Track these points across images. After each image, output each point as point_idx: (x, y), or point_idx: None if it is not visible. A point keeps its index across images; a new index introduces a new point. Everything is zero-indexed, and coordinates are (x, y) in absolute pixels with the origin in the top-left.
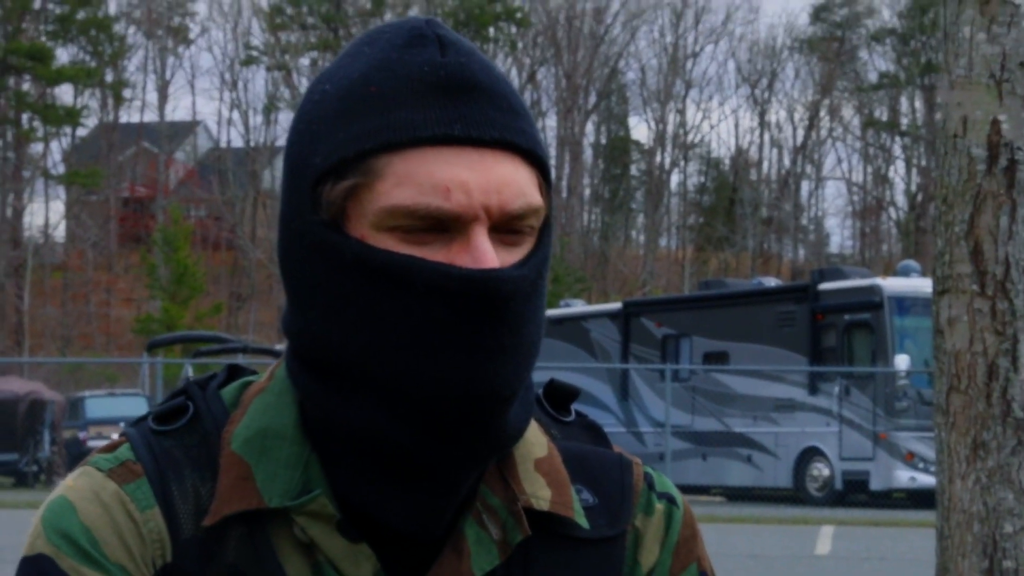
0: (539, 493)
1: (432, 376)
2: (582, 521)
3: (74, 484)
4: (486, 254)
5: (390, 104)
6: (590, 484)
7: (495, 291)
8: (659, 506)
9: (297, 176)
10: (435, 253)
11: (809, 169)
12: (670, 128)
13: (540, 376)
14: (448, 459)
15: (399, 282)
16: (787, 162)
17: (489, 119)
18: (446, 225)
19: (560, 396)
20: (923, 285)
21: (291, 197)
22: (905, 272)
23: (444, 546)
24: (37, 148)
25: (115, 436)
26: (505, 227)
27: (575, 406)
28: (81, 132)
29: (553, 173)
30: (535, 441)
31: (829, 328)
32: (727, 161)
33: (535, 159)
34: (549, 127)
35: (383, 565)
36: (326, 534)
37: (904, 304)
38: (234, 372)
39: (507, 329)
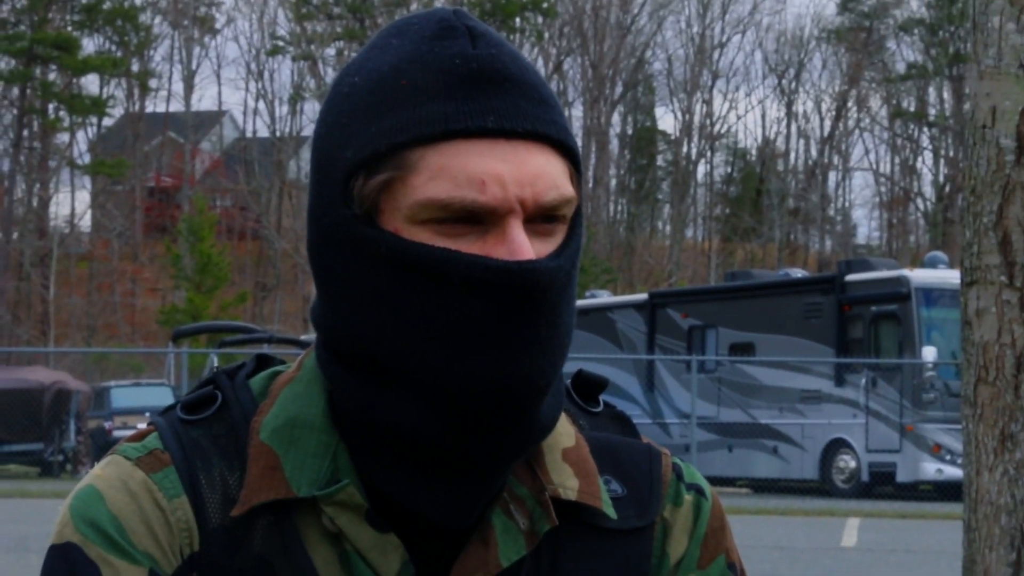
0: (567, 483)
1: (469, 369)
2: (610, 511)
3: (102, 473)
4: (522, 246)
5: (422, 97)
6: (618, 474)
7: (533, 283)
8: (688, 497)
9: (327, 169)
10: (470, 245)
11: (836, 160)
12: (697, 119)
13: (566, 367)
14: (483, 452)
15: (435, 275)
16: (814, 153)
17: (521, 111)
18: (481, 217)
19: (589, 386)
20: (950, 276)
21: (321, 190)
22: (932, 263)
23: (471, 536)
24: (63, 138)
25: (140, 426)
26: (539, 218)
27: (603, 397)
28: (107, 122)
29: None
30: (563, 431)
31: (856, 319)
32: (754, 152)
33: (566, 149)
34: (575, 117)
35: (411, 555)
36: (354, 524)
37: (931, 295)
38: (263, 362)
39: (543, 320)
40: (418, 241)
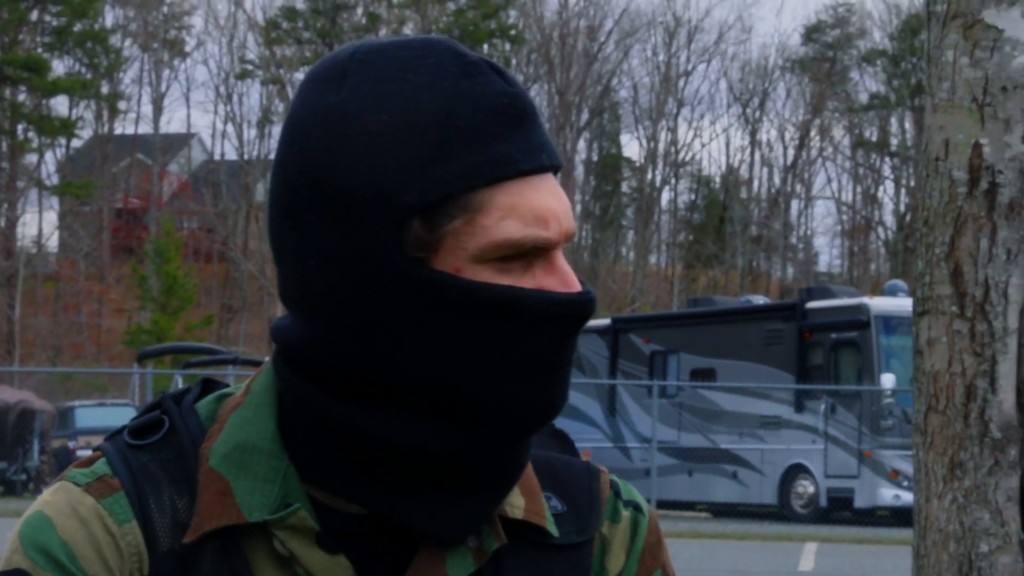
0: (514, 501)
1: (526, 397)
2: (552, 529)
3: (52, 499)
4: (572, 276)
5: (484, 138)
6: (559, 491)
7: (589, 312)
8: (625, 514)
9: (367, 212)
10: (523, 279)
11: (799, 188)
12: (661, 146)
13: None
14: (507, 469)
15: (510, 314)
16: (777, 181)
17: (549, 145)
18: (532, 252)
19: None
20: (909, 305)
21: (354, 232)
22: (892, 292)
23: (419, 552)
24: (31, 159)
25: (92, 449)
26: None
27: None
28: (76, 143)
29: None
30: None
31: (816, 346)
32: (718, 179)
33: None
34: None
35: (358, 573)
36: (305, 547)
37: (891, 323)
38: (208, 386)
39: (575, 344)
40: (484, 281)
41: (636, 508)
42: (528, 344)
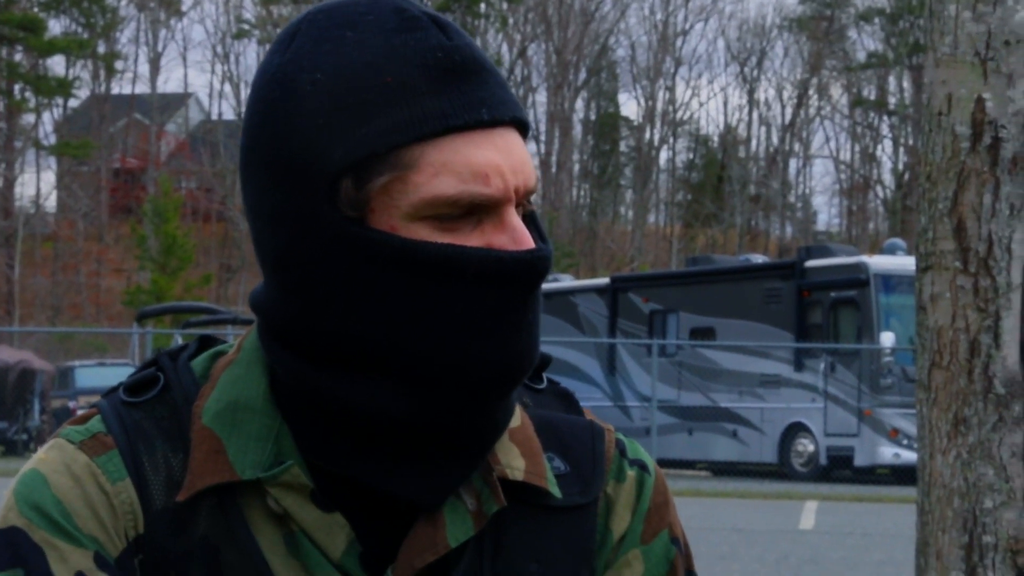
0: (513, 463)
1: (475, 354)
2: (554, 491)
3: (46, 457)
4: (524, 234)
5: (412, 94)
6: (562, 452)
7: (542, 270)
8: (631, 473)
9: (302, 172)
10: (469, 236)
11: (797, 147)
12: (659, 105)
13: None
14: (479, 433)
15: (449, 273)
16: (775, 140)
17: (501, 99)
18: (480, 209)
19: None
20: (909, 263)
21: (291, 192)
22: (891, 250)
23: (419, 516)
24: (29, 119)
25: (89, 406)
26: (524, 197)
27: (555, 376)
28: (73, 103)
29: (543, 148)
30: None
31: (815, 305)
32: (715, 138)
33: (525, 129)
34: (539, 103)
35: (357, 534)
36: (299, 504)
37: (890, 282)
38: (205, 343)
39: (535, 303)
40: (421, 239)
41: (642, 467)
42: (473, 304)
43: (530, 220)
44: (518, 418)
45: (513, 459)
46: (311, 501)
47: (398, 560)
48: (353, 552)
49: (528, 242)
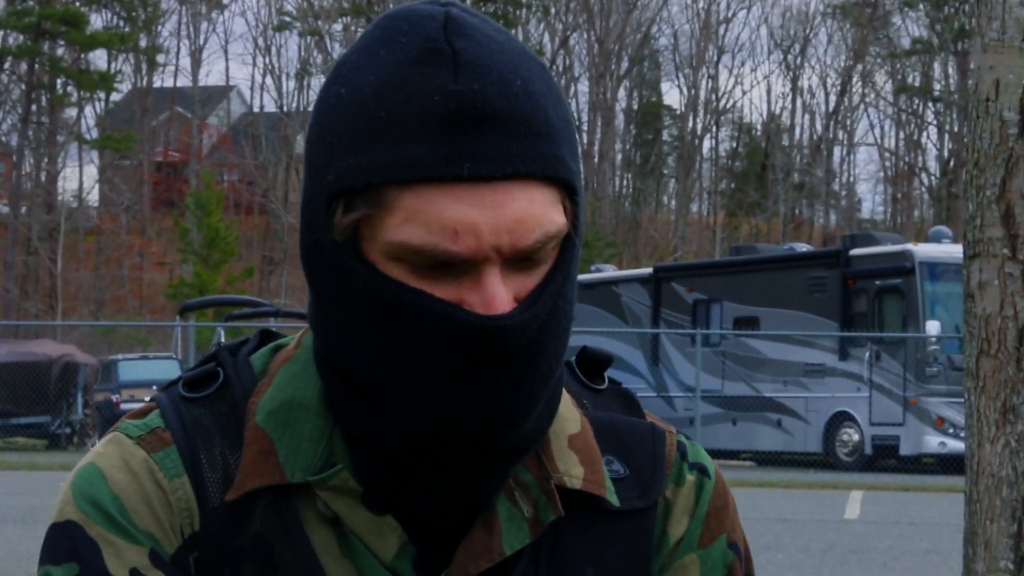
0: (572, 471)
1: (440, 408)
2: (612, 499)
3: (104, 451)
4: (495, 298)
5: (399, 135)
6: (621, 455)
7: (503, 339)
8: (690, 477)
9: (314, 183)
10: (445, 288)
11: (841, 135)
12: (702, 94)
13: (572, 341)
14: (460, 472)
15: (407, 318)
16: (819, 128)
17: (503, 152)
18: (452, 263)
19: (593, 363)
20: (954, 251)
21: (310, 201)
22: (936, 238)
23: (475, 522)
24: (71, 113)
25: (147, 399)
26: (519, 258)
27: (608, 373)
28: (115, 97)
29: (585, 138)
30: (568, 416)
31: (860, 293)
32: (759, 127)
33: (558, 179)
34: (581, 92)
35: (411, 537)
36: (350, 507)
37: (935, 270)
38: (265, 337)
39: (520, 366)
40: (394, 279)
41: (702, 471)
42: (439, 356)
43: (552, 274)
44: (577, 423)
45: (572, 467)
46: (362, 504)
47: (452, 565)
48: (406, 555)
49: (498, 307)
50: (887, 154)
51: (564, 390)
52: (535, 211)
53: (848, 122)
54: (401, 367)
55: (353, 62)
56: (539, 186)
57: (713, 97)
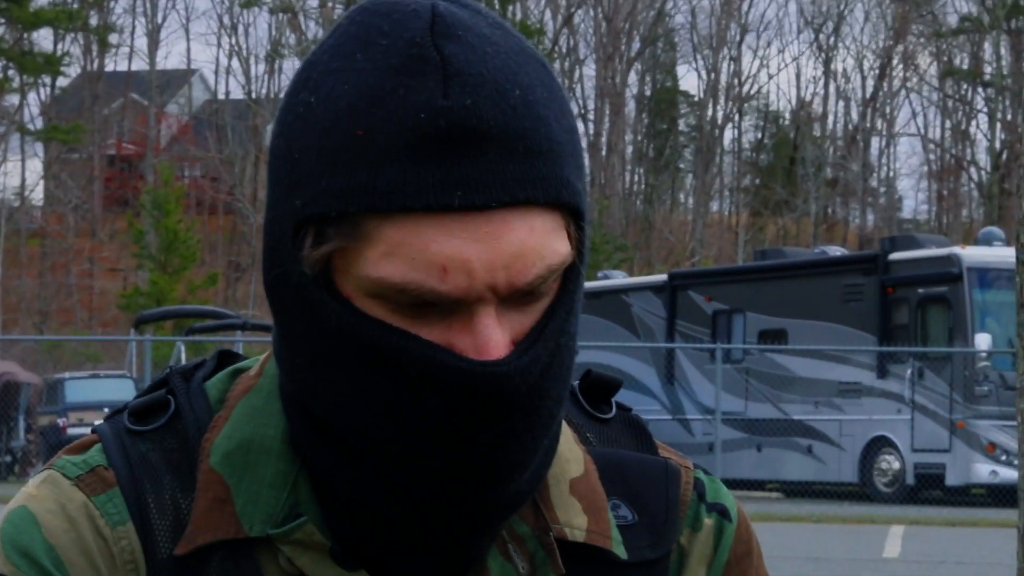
0: (574, 521)
1: (426, 462)
2: (619, 551)
3: (37, 492)
4: (489, 341)
5: (379, 158)
6: (629, 498)
7: (499, 389)
8: (708, 521)
9: (280, 205)
10: (432, 329)
11: (880, 124)
12: (723, 78)
13: (577, 357)
14: (444, 530)
15: (389, 362)
16: (855, 116)
17: (499, 177)
18: (451, 303)
19: (599, 390)
20: (1007, 255)
21: (275, 226)
22: (987, 240)
23: None
24: (13, 100)
25: (98, 422)
26: (517, 294)
27: (616, 397)
28: (62, 82)
29: (591, 128)
30: (570, 457)
31: (901, 303)
32: (787, 115)
33: (561, 203)
34: (587, 77)
35: None
36: (317, 563)
37: (986, 276)
38: (224, 359)
39: (518, 415)
40: (374, 318)
41: (722, 513)
42: (422, 404)
43: (553, 309)
44: (580, 464)
45: (574, 516)
46: (330, 559)
47: None
48: None
49: (492, 352)
50: (931, 146)
51: (565, 423)
52: (535, 242)
53: (887, 110)
54: (381, 416)
55: (324, 65)
56: (540, 213)
57: (735, 82)
